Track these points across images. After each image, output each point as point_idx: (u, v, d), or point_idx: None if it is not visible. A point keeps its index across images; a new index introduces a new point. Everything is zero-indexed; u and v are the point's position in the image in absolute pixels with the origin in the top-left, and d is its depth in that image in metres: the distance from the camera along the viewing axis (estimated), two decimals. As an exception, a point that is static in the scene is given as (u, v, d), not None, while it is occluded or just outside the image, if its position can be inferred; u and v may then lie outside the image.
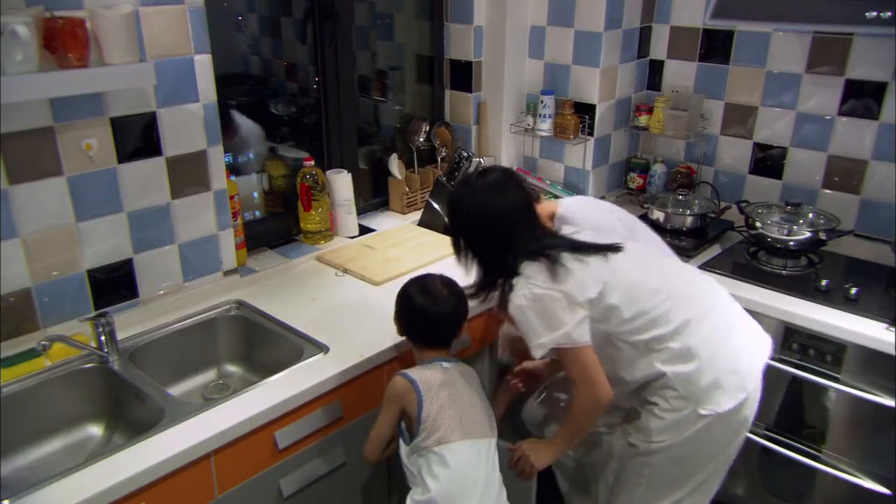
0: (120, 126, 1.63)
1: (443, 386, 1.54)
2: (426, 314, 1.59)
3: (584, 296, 1.48)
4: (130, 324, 1.73)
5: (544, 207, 1.79)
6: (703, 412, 1.50)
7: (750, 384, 1.54)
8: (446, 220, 1.64)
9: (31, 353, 1.55)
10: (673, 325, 1.52)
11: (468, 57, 2.56)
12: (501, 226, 1.54)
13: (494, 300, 1.70)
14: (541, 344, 1.48)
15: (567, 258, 1.50)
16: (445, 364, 1.59)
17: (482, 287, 1.62)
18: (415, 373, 1.56)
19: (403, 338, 1.67)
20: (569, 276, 1.47)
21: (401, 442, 1.57)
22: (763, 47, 2.29)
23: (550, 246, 1.53)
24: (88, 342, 1.61)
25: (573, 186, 2.56)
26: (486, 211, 1.54)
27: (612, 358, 1.55)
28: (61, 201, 1.58)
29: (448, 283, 1.63)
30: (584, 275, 1.49)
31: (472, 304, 1.66)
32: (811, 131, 2.27)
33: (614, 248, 1.56)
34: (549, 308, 1.47)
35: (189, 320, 1.81)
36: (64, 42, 1.40)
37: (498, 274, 1.57)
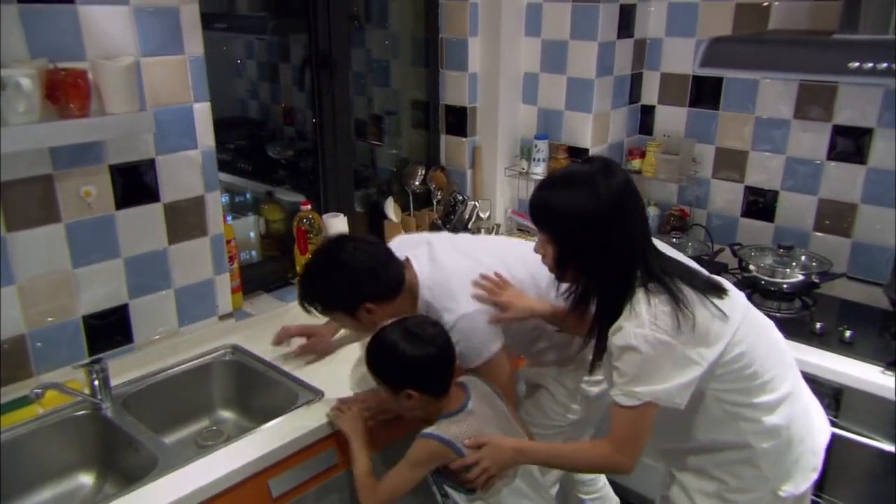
0: (119, 173, 1.65)
1: (478, 430, 1.47)
2: (433, 361, 1.44)
3: (707, 357, 1.26)
4: (125, 369, 1.73)
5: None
6: (782, 494, 1.36)
7: (820, 464, 1.43)
8: (552, 236, 1.33)
9: (24, 401, 1.54)
10: (776, 395, 1.35)
11: (463, 103, 2.60)
12: (621, 216, 1.28)
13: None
14: (633, 392, 1.26)
15: (692, 299, 1.27)
16: (469, 405, 1.49)
17: (598, 323, 1.35)
18: (445, 430, 1.45)
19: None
20: (695, 328, 1.25)
21: (452, 492, 1.50)
22: (751, 93, 2.34)
23: (667, 271, 1.30)
24: (82, 389, 1.60)
25: (568, 229, 2.58)
26: (605, 200, 1.25)
27: (692, 413, 1.34)
28: (58, 248, 1.59)
29: (426, 320, 1.51)
30: (711, 327, 1.27)
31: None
32: (801, 175, 2.30)
33: (722, 290, 1.34)
34: (664, 360, 1.25)
35: (184, 366, 1.80)
36: (66, 93, 1.42)
37: (621, 296, 1.29)
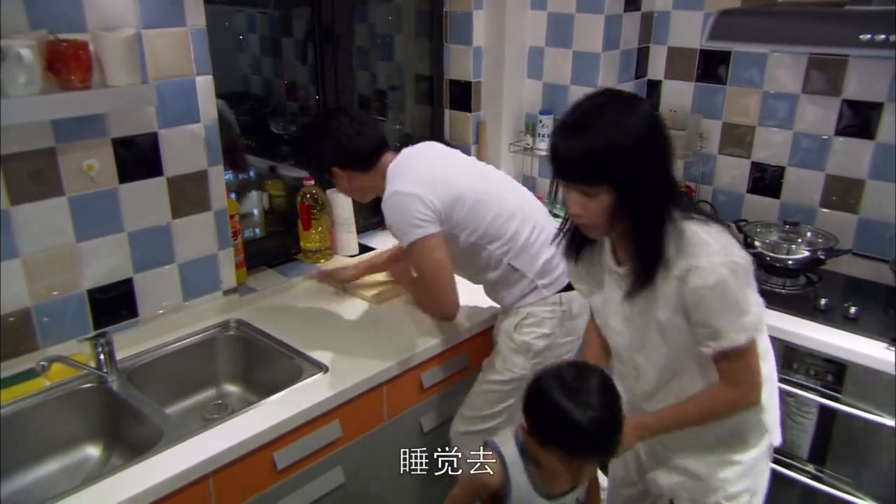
0: (121, 147, 1.64)
1: None
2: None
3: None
4: (130, 343, 1.73)
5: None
6: (775, 443, 1.42)
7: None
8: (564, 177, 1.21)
9: (30, 374, 1.55)
10: (765, 344, 1.37)
11: (467, 77, 2.58)
12: (657, 151, 1.18)
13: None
14: (746, 325, 1.19)
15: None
16: None
17: (645, 270, 1.23)
18: None
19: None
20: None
21: None
22: (760, 68, 2.31)
23: (690, 205, 1.26)
24: (87, 362, 1.61)
25: (572, 205, 2.57)
26: (651, 120, 1.17)
27: (706, 372, 1.30)
28: (62, 221, 1.59)
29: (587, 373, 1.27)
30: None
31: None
32: (808, 151, 2.28)
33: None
34: (746, 285, 1.19)
35: (188, 340, 1.81)
36: (67, 64, 1.41)
37: (662, 232, 1.20)
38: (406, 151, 1.81)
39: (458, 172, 1.79)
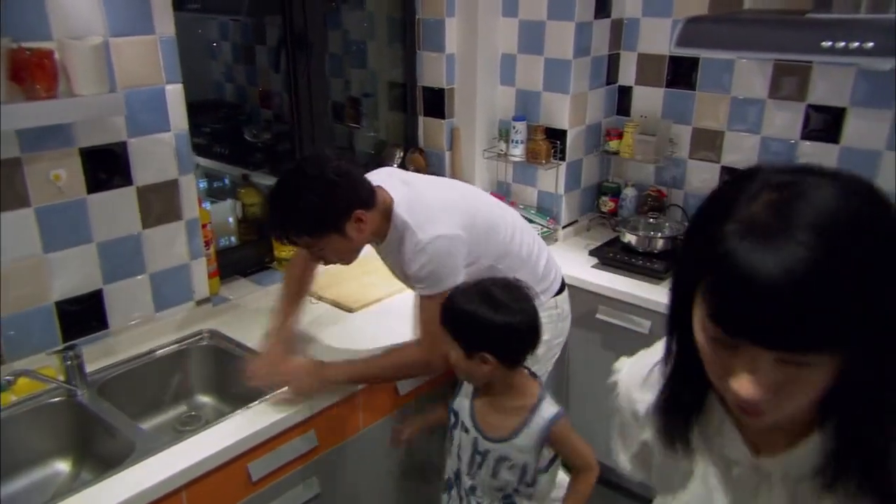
0: (89, 156, 1.62)
1: None
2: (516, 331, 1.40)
3: None
4: (100, 356, 1.71)
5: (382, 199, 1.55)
6: None
7: None
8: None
9: (-4, 388, 1.52)
10: None
11: (440, 84, 2.59)
12: None
13: None
14: None
15: None
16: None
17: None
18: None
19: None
20: None
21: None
22: (727, 74, 2.35)
23: None
24: (56, 376, 1.58)
25: (546, 210, 2.59)
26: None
27: None
28: (29, 233, 1.56)
29: (511, 284, 1.44)
30: None
31: None
32: (776, 154, 2.32)
33: None
34: None
35: (160, 351, 1.78)
36: (32, 73, 1.39)
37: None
38: (387, 183, 1.60)
39: (459, 195, 1.69)
